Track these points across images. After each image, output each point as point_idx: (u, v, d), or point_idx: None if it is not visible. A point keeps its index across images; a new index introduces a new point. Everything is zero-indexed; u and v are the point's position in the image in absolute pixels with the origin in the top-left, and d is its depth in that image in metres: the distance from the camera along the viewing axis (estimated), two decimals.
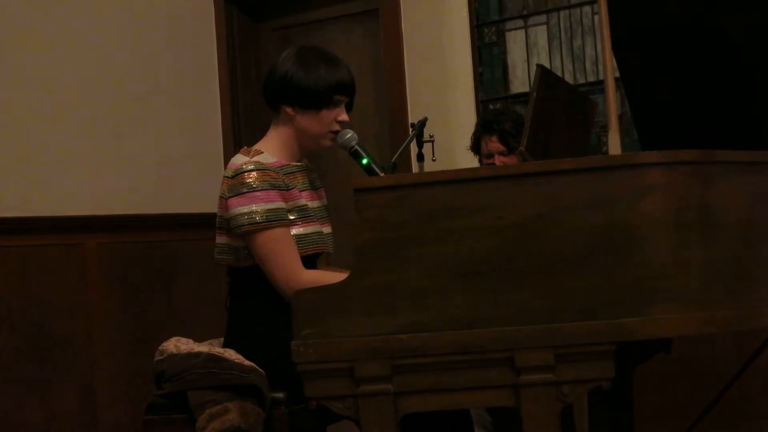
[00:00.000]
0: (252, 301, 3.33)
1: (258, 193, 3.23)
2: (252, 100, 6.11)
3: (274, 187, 3.25)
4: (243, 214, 3.23)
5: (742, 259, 2.66)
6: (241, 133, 6.07)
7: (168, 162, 5.76)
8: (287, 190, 3.29)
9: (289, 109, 3.36)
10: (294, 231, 3.29)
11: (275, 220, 3.23)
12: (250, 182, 3.24)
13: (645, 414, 4.38)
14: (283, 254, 3.23)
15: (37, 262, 5.15)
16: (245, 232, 3.24)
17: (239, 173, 3.26)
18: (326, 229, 3.43)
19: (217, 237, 3.38)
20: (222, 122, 6.10)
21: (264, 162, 3.30)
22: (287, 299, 3.20)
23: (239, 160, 3.33)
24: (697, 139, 2.90)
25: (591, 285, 2.55)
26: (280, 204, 3.25)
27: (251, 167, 3.26)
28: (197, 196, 5.62)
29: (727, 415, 4.50)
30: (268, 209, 3.23)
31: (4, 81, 5.14)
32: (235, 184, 3.25)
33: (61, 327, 5.20)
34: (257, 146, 3.40)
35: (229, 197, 3.26)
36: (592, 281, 2.55)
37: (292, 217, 3.29)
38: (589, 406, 2.62)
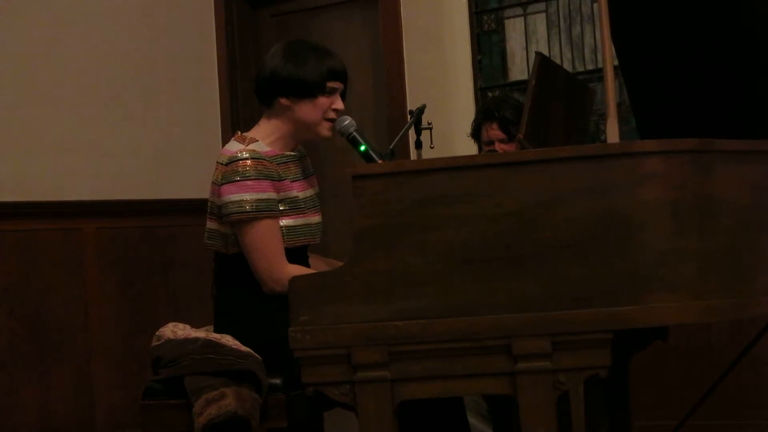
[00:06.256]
0: (237, 290, 3.34)
1: (249, 182, 3.23)
2: (250, 87, 6.09)
3: (266, 177, 3.25)
4: (233, 202, 3.23)
5: (740, 247, 2.66)
6: (239, 119, 6.07)
7: (166, 148, 5.75)
8: (279, 180, 3.29)
9: (284, 101, 3.35)
10: (283, 222, 3.30)
11: (264, 210, 3.23)
12: (243, 171, 3.24)
13: (641, 402, 4.38)
14: (268, 246, 3.24)
15: (35, 247, 5.15)
16: (234, 221, 3.25)
17: (233, 161, 3.26)
18: (315, 219, 3.43)
19: (208, 222, 3.39)
20: (220, 108, 6.09)
21: (259, 151, 3.29)
22: (267, 291, 3.25)
23: (234, 147, 3.33)
24: (696, 127, 2.90)
25: (588, 273, 2.56)
26: (271, 194, 3.26)
27: (246, 155, 3.26)
28: (195, 182, 5.60)
29: (723, 404, 4.50)
30: (258, 199, 3.23)
31: (2, 66, 5.13)
32: (229, 172, 3.25)
33: (58, 311, 5.21)
34: (251, 134, 3.39)
35: (222, 184, 3.27)
36: (589, 269, 2.56)
37: (282, 208, 3.29)
38: (586, 394, 2.62)
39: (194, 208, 5.43)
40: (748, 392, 4.73)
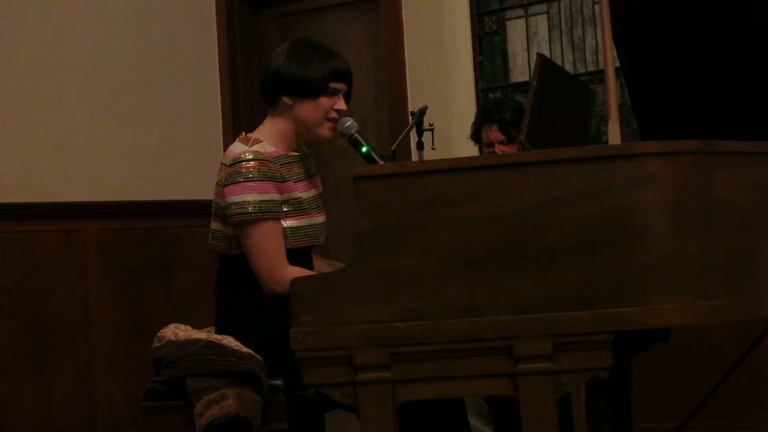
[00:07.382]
0: (240, 291, 3.34)
1: (253, 184, 3.24)
2: (252, 88, 6.10)
3: (270, 178, 3.26)
4: (236, 204, 3.24)
5: (741, 249, 2.66)
6: (241, 120, 6.07)
7: (168, 149, 5.75)
8: (282, 182, 3.30)
9: (287, 99, 3.35)
10: (287, 223, 3.30)
11: (267, 212, 3.24)
12: (246, 172, 3.24)
13: (643, 404, 4.38)
14: (269, 248, 3.25)
15: (36, 248, 5.15)
16: (236, 222, 3.25)
17: (237, 162, 3.26)
18: (319, 219, 3.43)
19: (212, 223, 3.40)
20: (222, 109, 6.10)
21: (262, 152, 3.30)
22: (267, 292, 3.25)
23: (238, 148, 3.33)
24: (697, 129, 2.90)
25: (589, 274, 2.55)
26: (274, 196, 3.26)
27: (250, 157, 3.26)
28: (197, 183, 5.62)
29: (724, 406, 4.50)
30: (261, 200, 3.23)
31: (3, 66, 5.13)
32: (232, 173, 3.26)
33: (59, 313, 5.20)
34: (255, 135, 3.39)
35: (225, 185, 3.27)
36: (590, 270, 2.55)
37: (285, 209, 3.29)
38: (587, 396, 2.62)
39: (195, 210, 5.45)
40: (750, 394, 4.73)
